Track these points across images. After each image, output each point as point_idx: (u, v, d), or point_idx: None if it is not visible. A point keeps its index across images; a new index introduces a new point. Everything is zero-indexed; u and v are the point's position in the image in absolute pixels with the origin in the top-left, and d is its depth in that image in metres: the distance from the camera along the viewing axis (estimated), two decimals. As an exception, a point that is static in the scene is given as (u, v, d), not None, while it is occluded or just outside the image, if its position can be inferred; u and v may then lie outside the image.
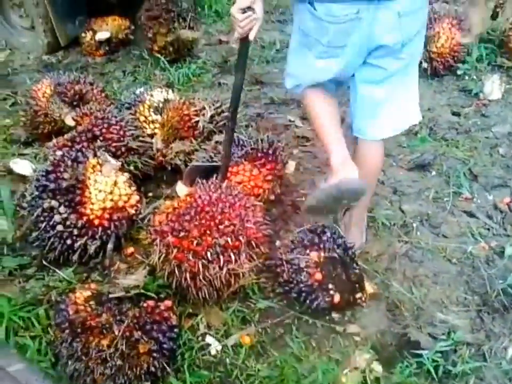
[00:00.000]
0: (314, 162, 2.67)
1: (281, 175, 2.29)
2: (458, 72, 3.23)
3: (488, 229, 2.19)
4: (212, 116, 2.41)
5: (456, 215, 2.27)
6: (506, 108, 2.97)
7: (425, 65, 3.21)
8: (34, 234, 1.91)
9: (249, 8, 1.61)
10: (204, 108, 2.40)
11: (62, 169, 1.92)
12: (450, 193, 2.38)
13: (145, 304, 1.56)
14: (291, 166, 2.35)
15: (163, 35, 3.45)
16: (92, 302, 1.54)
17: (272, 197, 2.25)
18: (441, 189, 2.42)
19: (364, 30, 1.58)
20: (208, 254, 1.67)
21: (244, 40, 1.72)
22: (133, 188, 2.08)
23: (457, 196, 2.38)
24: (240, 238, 1.72)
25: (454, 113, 2.98)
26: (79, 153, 2.04)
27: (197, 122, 2.39)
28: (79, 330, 1.45)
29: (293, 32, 1.83)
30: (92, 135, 2.25)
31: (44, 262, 1.92)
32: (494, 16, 3.58)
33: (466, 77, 3.23)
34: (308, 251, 1.75)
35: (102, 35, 3.64)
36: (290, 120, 3.01)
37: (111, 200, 1.95)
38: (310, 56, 1.75)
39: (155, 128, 2.55)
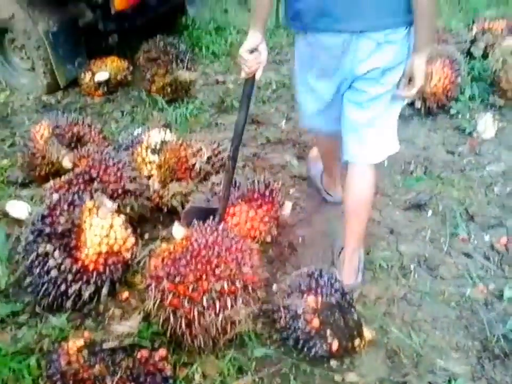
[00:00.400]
0: (311, 202, 2.68)
1: (277, 216, 2.29)
2: (452, 111, 3.28)
3: (486, 271, 2.17)
4: (208, 157, 2.43)
5: (453, 256, 2.26)
6: (500, 146, 3.00)
7: (418, 104, 3.26)
8: (28, 279, 1.88)
9: (256, 49, 1.79)
10: (201, 149, 2.42)
11: (58, 213, 1.91)
12: (447, 234, 2.37)
13: (139, 355, 1.53)
14: (288, 207, 2.36)
15: (161, 76, 3.52)
16: (84, 352, 1.50)
17: (269, 239, 2.25)
18: (438, 229, 2.42)
19: (349, 57, 1.75)
20: (204, 300, 1.65)
21: (250, 79, 1.85)
22: (129, 231, 2.08)
23: (454, 236, 2.37)
24: (237, 282, 1.71)
25: (448, 152, 3.01)
26: (76, 196, 2.04)
27: (194, 163, 2.40)
28: (71, 382, 1.42)
29: (295, 59, 2.02)
30: (89, 177, 2.25)
31: (37, 309, 1.89)
32: (485, 56, 3.67)
33: (460, 116, 3.28)
34: (305, 296, 1.73)
35: (101, 76, 3.70)
36: (286, 160, 3.03)
37: (107, 244, 1.94)
38: (309, 77, 1.94)
39: (152, 169, 2.56)
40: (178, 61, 3.57)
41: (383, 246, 2.34)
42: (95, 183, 2.23)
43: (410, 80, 1.74)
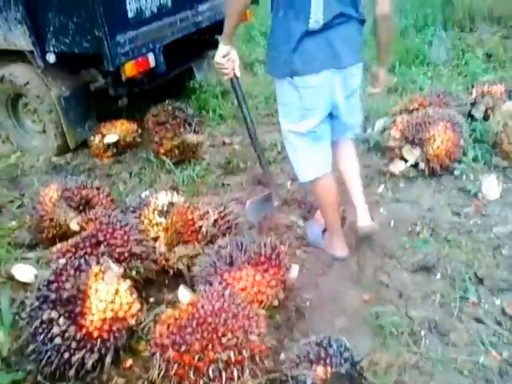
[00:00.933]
0: (318, 264, 2.66)
1: (284, 279, 2.27)
2: (456, 172, 3.30)
3: (499, 337, 2.12)
4: (215, 220, 2.44)
5: (464, 322, 2.21)
6: (506, 207, 2.99)
7: (422, 165, 3.30)
8: (31, 347, 1.85)
9: (227, 55, 2.46)
10: (208, 212, 2.43)
11: (64, 279, 1.91)
12: (457, 298, 2.33)
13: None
14: (295, 270, 2.34)
15: (169, 139, 3.60)
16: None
17: (276, 303, 2.22)
18: (447, 293, 2.38)
19: (329, 89, 2.28)
20: (210, 370, 1.61)
21: (234, 80, 2.63)
22: (134, 296, 2.06)
23: (464, 300, 2.33)
24: (244, 352, 1.67)
25: (454, 213, 3.00)
26: (82, 261, 2.04)
27: (201, 226, 2.41)
28: None
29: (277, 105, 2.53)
30: (95, 241, 2.27)
31: (39, 378, 1.84)
32: (486, 118, 3.75)
33: (464, 177, 3.30)
34: (314, 366, 1.69)
35: (111, 138, 3.79)
36: (292, 221, 3.04)
37: (112, 310, 1.92)
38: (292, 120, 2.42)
39: (159, 231, 2.58)
40: (186, 124, 3.67)
41: (393, 311, 2.29)
42: (102, 247, 2.24)
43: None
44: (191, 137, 3.58)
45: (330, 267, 2.64)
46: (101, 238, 2.26)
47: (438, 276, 2.51)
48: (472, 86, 4.06)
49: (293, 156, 2.58)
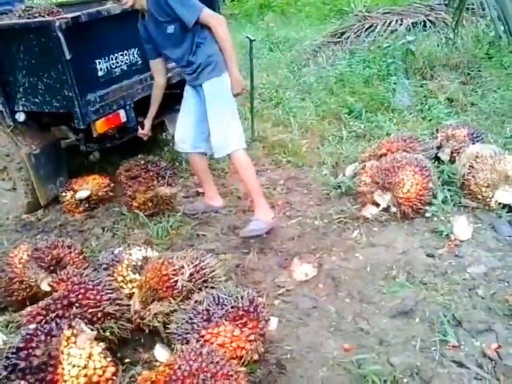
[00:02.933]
0: (297, 313, 2.64)
1: (264, 332, 2.23)
2: (427, 215, 3.36)
3: (481, 380, 2.10)
4: (190, 274, 2.40)
5: (446, 366, 2.19)
6: (478, 247, 3.04)
7: (394, 209, 3.35)
8: (-1, 421, 1.75)
9: None
10: (183, 267, 2.40)
11: (34, 345, 1.83)
12: (437, 341, 2.32)
13: None
14: (274, 321, 2.31)
15: (142, 193, 3.59)
16: None
17: (256, 357, 2.18)
18: (427, 337, 2.37)
19: None
20: None
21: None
22: (109, 359, 1.99)
23: (444, 343, 2.32)
24: (224, 413, 1.61)
25: (428, 255, 3.03)
26: (53, 325, 1.97)
27: (176, 281, 2.37)
28: None
29: (227, 95, 3.26)
30: (67, 302, 2.21)
31: None
32: (452, 161, 3.87)
33: (435, 219, 3.35)
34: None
35: (82, 194, 3.76)
36: (270, 269, 3.02)
37: (85, 375, 1.85)
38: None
39: (133, 287, 2.52)
40: (159, 177, 3.67)
41: (374, 359, 2.26)
42: (74, 308, 2.18)
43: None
44: (164, 190, 3.57)
45: (309, 316, 2.61)
46: (73, 299, 2.20)
47: (417, 319, 2.50)
48: (437, 130, 4.21)
49: (233, 129, 3.28)
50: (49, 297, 2.27)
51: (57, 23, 3.07)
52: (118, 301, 2.33)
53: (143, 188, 3.60)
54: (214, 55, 3.18)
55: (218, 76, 3.20)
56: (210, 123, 3.29)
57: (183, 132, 3.52)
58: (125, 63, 3.65)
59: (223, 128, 3.26)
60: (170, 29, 3.10)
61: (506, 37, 4.81)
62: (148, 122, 3.69)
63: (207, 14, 3.07)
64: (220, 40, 3.12)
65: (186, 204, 3.82)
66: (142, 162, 3.74)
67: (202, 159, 3.67)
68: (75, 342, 1.92)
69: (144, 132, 3.73)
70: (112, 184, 4.01)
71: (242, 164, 3.34)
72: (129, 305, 2.41)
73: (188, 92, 3.44)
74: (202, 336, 2.07)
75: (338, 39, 7.54)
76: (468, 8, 6.42)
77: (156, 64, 3.43)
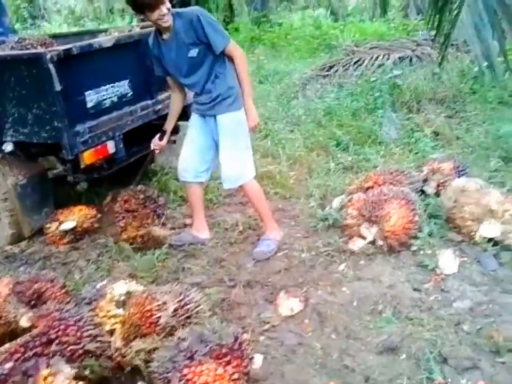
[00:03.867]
0: (282, 350, 2.60)
1: (248, 371, 2.19)
2: (413, 248, 3.36)
3: (468, 420, 2.07)
4: (174, 310, 2.37)
5: (432, 405, 2.16)
6: (464, 281, 3.04)
7: (380, 242, 3.36)
8: None
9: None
10: (167, 303, 2.37)
11: (9, 385, 1.78)
12: (424, 379, 2.30)
13: None
14: (258, 359, 2.29)
15: (134, 228, 3.55)
16: None
17: (240, 396, 2.13)
18: (413, 374, 2.34)
19: None
20: None
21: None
22: (87, 399, 1.93)
23: (430, 381, 2.30)
24: None
25: (414, 289, 3.02)
26: (32, 363, 1.92)
27: (159, 318, 2.33)
28: None
29: (243, 126, 3.32)
30: (47, 339, 2.16)
31: None
32: (437, 194, 3.90)
33: (421, 252, 3.35)
34: None
35: (68, 225, 3.72)
36: (255, 303, 2.99)
37: (62, 417, 1.79)
38: None
39: (115, 323, 2.48)
40: (155, 216, 3.63)
41: (360, 398, 2.23)
42: (54, 345, 2.13)
43: None
44: (158, 231, 3.54)
45: (294, 353, 2.58)
46: (53, 336, 2.16)
47: (403, 356, 2.48)
48: (423, 164, 4.26)
49: (248, 159, 3.39)
50: (29, 334, 2.22)
51: (48, 55, 3.10)
52: (99, 338, 2.29)
53: (137, 224, 3.55)
54: (235, 87, 3.23)
55: (237, 109, 3.25)
56: (224, 155, 3.33)
57: (186, 161, 3.54)
58: (115, 94, 3.68)
59: (238, 161, 3.32)
60: (194, 52, 3.12)
61: (489, 72, 4.93)
62: (166, 136, 3.63)
63: (233, 45, 3.17)
64: (240, 71, 3.20)
65: (173, 235, 3.78)
66: (141, 196, 3.69)
67: (200, 189, 3.69)
68: (52, 382, 1.87)
69: (162, 143, 3.63)
70: (98, 215, 3.98)
71: (256, 193, 3.49)
72: (110, 342, 2.36)
73: (195, 120, 3.47)
74: (185, 375, 2.03)
75: (327, 73, 7.68)
76: (452, 44, 6.59)
77: (170, 79, 3.46)
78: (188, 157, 3.52)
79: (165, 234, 3.60)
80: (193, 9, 3.23)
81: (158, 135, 3.60)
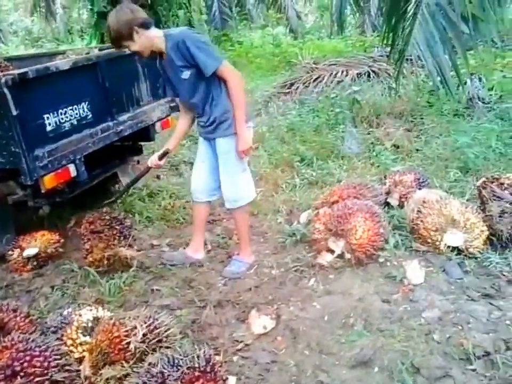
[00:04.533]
0: (256, 369, 2.57)
1: (221, 393, 2.16)
2: (380, 260, 3.42)
3: (442, 429, 2.10)
4: (144, 335, 2.32)
5: (407, 416, 2.18)
6: (431, 291, 3.10)
7: (348, 256, 3.39)
8: None
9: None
10: (135, 327, 2.31)
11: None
12: (397, 391, 2.32)
13: None
14: (232, 381, 2.27)
15: (101, 249, 3.46)
16: None
17: (214, 421, 2.09)
18: (387, 387, 2.36)
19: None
20: None
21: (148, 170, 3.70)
22: (56, 433, 1.85)
23: (404, 392, 2.32)
24: None
25: (384, 301, 3.05)
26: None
27: (128, 343, 2.27)
28: None
29: (236, 152, 3.25)
30: (11, 372, 2.08)
31: None
32: (401, 206, 4.00)
33: (388, 263, 3.40)
34: None
35: (30, 251, 3.60)
36: (226, 323, 2.96)
37: None
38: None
39: (84, 351, 2.40)
40: (122, 236, 3.57)
41: (335, 414, 2.23)
42: (19, 378, 2.04)
43: None
44: (125, 252, 3.47)
45: (268, 371, 2.56)
46: (18, 368, 2.07)
47: (376, 369, 2.49)
48: (385, 177, 4.36)
49: (245, 182, 3.40)
50: (-9, 369, 2.12)
51: (3, 80, 3.02)
52: (67, 367, 2.21)
53: (103, 245, 3.47)
54: (230, 111, 3.16)
55: (233, 134, 3.21)
56: (222, 178, 3.35)
57: (199, 181, 3.55)
58: (75, 117, 3.60)
59: (235, 184, 3.33)
60: (186, 74, 3.10)
61: (443, 87, 5.13)
62: (166, 157, 3.56)
63: (226, 68, 3.08)
64: (232, 95, 3.11)
65: (165, 253, 3.76)
66: (107, 217, 3.62)
67: (207, 208, 3.70)
68: (18, 417, 1.79)
69: (160, 163, 3.54)
70: (62, 240, 3.87)
71: (245, 217, 3.54)
72: (79, 370, 2.28)
73: (201, 141, 3.49)
74: (158, 401, 1.98)
75: (288, 90, 7.81)
76: (407, 59, 6.82)
77: (178, 99, 3.51)
78: (201, 178, 3.52)
79: (132, 254, 3.54)
80: (181, 31, 3.18)
81: (157, 154, 3.50)
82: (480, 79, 6.64)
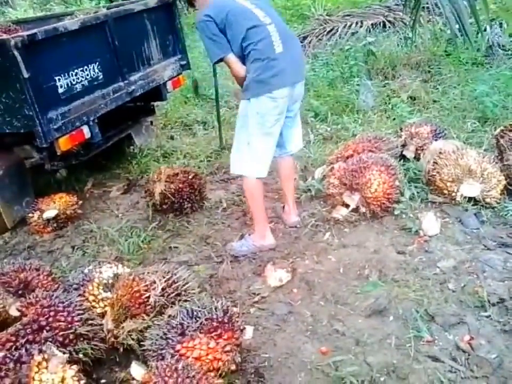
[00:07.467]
0: (273, 320, 2.64)
1: (240, 342, 2.22)
2: (396, 212, 3.41)
3: (456, 373, 2.14)
4: (162, 289, 2.38)
5: (421, 362, 2.22)
6: (447, 242, 3.10)
7: (363, 209, 3.39)
8: None
9: None
10: (154, 282, 2.38)
11: (3, 374, 1.78)
12: (412, 338, 2.35)
13: None
14: (249, 330, 2.31)
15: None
16: None
17: (234, 367, 2.17)
18: (402, 334, 2.40)
19: (291, 96, 3.06)
20: None
21: None
22: (83, 382, 1.95)
23: (418, 339, 2.36)
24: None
25: (399, 252, 3.07)
26: (23, 351, 1.92)
27: (148, 297, 2.34)
28: None
29: (249, 119, 3.03)
30: (37, 326, 2.16)
31: None
32: (417, 158, 3.95)
33: (404, 216, 3.40)
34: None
35: (50, 213, 3.68)
36: (243, 277, 3.02)
37: (59, 400, 1.80)
38: (268, 126, 3.04)
39: (105, 306, 2.49)
40: None
41: (351, 360, 2.28)
42: (45, 332, 2.13)
43: None
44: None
45: (285, 322, 2.62)
46: (43, 323, 2.15)
47: (391, 317, 2.53)
48: (401, 129, 4.29)
49: (254, 156, 3.10)
50: (19, 323, 2.21)
51: (12, 42, 3.01)
52: (90, 321, 2.29)
53: None
54: (247, 77, 3.02)
55: (244, 99, 3.10)
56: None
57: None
58: (86, 78, 3.60)
59: (236, 151, 3.20)
60: None
61: (461, 35, 4.94)
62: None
63: (228, 62, 3.01)
64: None
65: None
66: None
67: (287, 162, 3.49)
68: (46, 367, 1.87)
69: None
70: (80, 202, 3.94)
71: (246, 192, 3.29)
72: (102, 324, 2.37)
73: None
74: (178, 351, 2.05)
75: (301, 43, 7.61)
76: (424, 8, 6.58)
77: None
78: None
79: None
80: (199, 17, 3.09)
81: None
82: (500, 25, 6.37)
